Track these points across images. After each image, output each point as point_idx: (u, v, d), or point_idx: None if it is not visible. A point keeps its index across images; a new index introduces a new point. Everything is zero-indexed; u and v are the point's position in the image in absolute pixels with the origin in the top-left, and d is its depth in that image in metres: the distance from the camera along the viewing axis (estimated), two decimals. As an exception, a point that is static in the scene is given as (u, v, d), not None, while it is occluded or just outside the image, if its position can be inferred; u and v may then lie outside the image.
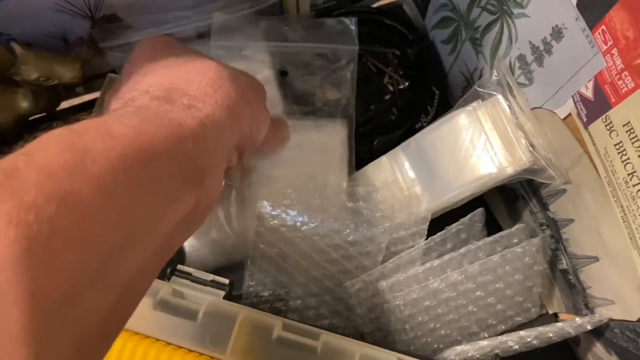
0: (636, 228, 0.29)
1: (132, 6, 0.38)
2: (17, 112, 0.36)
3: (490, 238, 0.37)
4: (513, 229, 0.38)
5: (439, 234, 0.38)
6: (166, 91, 0.23)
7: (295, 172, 0.38)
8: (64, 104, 0.43)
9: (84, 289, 0.16)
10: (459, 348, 0.34)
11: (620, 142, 0.28)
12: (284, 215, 0.36)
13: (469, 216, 0.38)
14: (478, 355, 0.34)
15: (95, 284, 0.16)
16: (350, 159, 0.42)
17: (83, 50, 0.38)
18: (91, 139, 0.17)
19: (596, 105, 0.29)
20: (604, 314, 0.35)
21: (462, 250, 0.37)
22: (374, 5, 0.50)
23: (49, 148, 0.16)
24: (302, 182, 0.38)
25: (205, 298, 0.32)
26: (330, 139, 0.41)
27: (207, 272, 0.34)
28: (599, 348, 0.37)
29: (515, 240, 0.38)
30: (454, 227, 0.38)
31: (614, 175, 0.29)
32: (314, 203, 0.37)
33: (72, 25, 0.37)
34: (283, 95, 0.42)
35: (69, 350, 0.16)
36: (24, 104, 0.35)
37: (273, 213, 0.35)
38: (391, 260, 0.37)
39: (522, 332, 0.34)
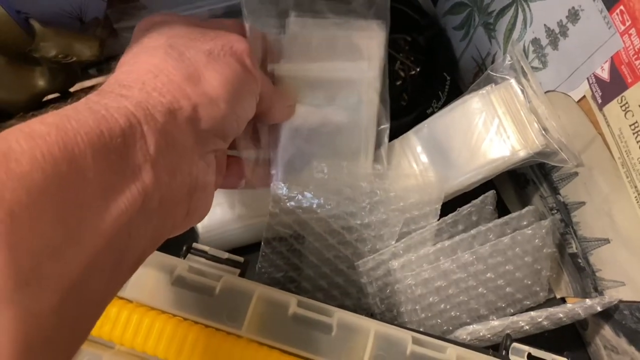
0: (649, 208, 0.29)
1: (147, -14, 0.38)
2: (34, 91, 0.36)
3: (500, 220, 0.38)
4: (523, 211, 0.38)
5: (450, 215, 0.38)
6: (107, 84, 0.23)
7: (326, 81, 0.35)
8: (77, 86, 0.44)
9: (16, 291, 0.15)
10: (470, 327, 0.34)
11: (636, 122, 0.28)
12: (299, 196, 0.36)
13: (480, 198, 0.38)
14: (489, 335, 0.35)
15: (30, 284, 0.16)
16: (385, 72, 0.37)
17: (98, 30, 0.39)
18: (14, 141, 0.17)
19: (612, 86, 0.29)
20: (613, 295, 0.35)
21: (473, 231, 0.37)
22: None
23: None
24: (332, 93, 0.35)
25: (221, 275, 0.33)
26: (365, 42, 0.36)
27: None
28: (607, 331, 0.37)
29: (524, 222, 0.38)
30: (465, 208, 0.38)
31: (628, 156, 0.29)
32: (329, 181, 0.36)
33: (89, 4, 0.37)
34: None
35: None
36: (41, 82, 0.35)
37: (290, 195, 0.36)
38: (403, 240, 0.37)
39: (532, 313, 0.35)
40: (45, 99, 0.40)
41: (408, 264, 0.36)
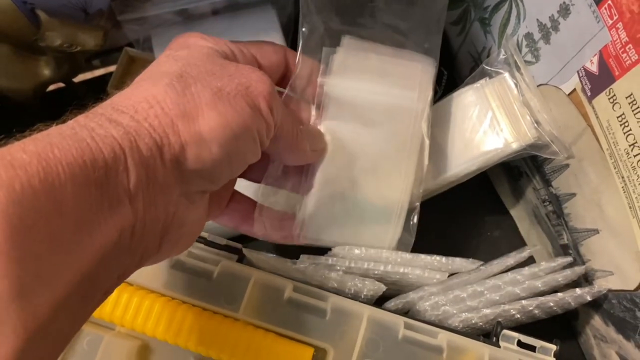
0: (636, 198, 0.30)
1: (151, -21, 0.39)
2: (39, 80, 0.37)
3: (535, 268, 0.37)
4: (557, 262, 0.37)
5: (490, 265, 0.37)
6: (101, 106, 0.22)
7: (374, 104, 0.34)
8: (81, 77, 0.45)
9: None
10: (463, 315, 0.35)
11: (623, 114, 0.29)
12: (268, 256, 0.35)
13: (513, 254, 0.38)
14: (481, 323, 0.36)
15: None
16: (430, 109, 0.35)
17: (102, 22, 0.39)
18: None
19: (600, 79, 0.30)
20: (602, 285, 0.36)
21: (506, 278, 0.36)
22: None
23: None
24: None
25: (219, 260, 0.33)
26: (418, 73, 0.35)
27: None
28: (596, 320, 0.38)
29: (557, 268, 0.38)
30: (503, 261, 0.37)
31: (615, 147, 0.30)
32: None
33: (93, -4, 0.38)
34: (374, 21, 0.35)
35: None
36: (46, 71, 0.36)
37: (257, 256, 0.35)
38: (438, 287, 0.36)
39: (524, 302, 0.35)
40: (49, 88, 0.41)
41: (435, 305, 0.36)
